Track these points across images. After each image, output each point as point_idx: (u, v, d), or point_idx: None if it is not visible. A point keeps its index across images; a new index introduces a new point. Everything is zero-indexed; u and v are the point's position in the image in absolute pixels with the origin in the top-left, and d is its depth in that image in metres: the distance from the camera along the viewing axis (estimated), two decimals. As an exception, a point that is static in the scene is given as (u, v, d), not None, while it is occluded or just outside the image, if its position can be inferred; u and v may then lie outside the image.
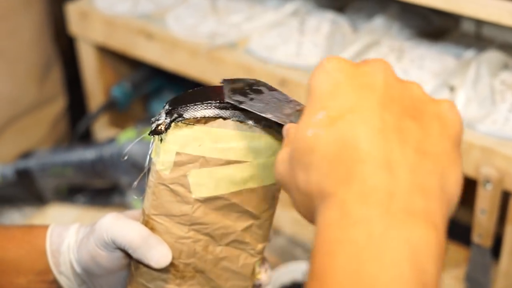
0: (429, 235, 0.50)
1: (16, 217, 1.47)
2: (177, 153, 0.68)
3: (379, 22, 1.34)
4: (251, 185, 0.69)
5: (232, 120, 0.68)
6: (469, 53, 1.25)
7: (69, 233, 0.78)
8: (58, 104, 1.69)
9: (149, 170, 0.73)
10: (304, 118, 0.55)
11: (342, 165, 0.51)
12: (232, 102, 0.67)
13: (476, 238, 1.15)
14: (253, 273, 0.74)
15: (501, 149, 1.07)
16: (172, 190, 0.69)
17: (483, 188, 1.09)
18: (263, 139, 0.68)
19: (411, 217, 0.49)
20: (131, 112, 1.68)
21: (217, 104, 0.68)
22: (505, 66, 1.21)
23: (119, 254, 0.73)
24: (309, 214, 0.56)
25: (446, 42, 1.31)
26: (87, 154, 1.43)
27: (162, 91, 1.67)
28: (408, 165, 0.51)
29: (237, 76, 0.73)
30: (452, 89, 1.19)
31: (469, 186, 1.18)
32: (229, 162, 0.68)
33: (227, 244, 0.72)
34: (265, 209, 0.72)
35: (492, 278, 1.20)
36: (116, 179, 1.42)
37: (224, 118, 0.68)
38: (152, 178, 0.71)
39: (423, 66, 1.24)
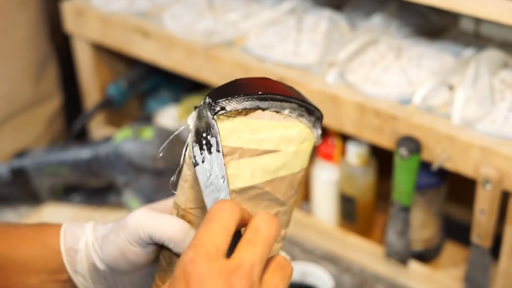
0: None
1: (11, 216, 1.46)
2: None
3: (377, 20, 1.33)
4: (283, 173, 0.72)
5: (270, 111, 0.70)
6: (468, 52, 1.24)
7: (85, 231, 0.78)
8: (54, 103, 1.67)
9: (183, 165, 0.74)
10: None
11: None
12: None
13: (475, 238, 1.14)
14: None
15: (500, 149, 1.06)
16: None
17: (482, 188, 1.08)
18: (296, 127, 0.71)
19: None
20: (127, 110, 1.67)
21: (257, 96, 0.70)
22: (505, 65, 1.20)
23: (151, 249, 0.74)
24: None
25: (445, 41, 1.30)
26: (82, 153, 1.41)
27: (158, 89, 1.66)
28: None
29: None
30: (451, 88, 1.18)
31: (469, 186, 1.18)
32: (264, 152, 0.70)
33: None
34: (291, 195, 0.74)
35: (492, 279, 1.19)
36: (112, 178, 1.41)
37: (263, 109, 0.70)
38: (189, 172, 0.73)
39: (421, 64, 1.23)
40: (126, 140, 1.37)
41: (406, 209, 1.20)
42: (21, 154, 1.48)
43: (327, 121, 1.22)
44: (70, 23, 1.54)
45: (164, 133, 1.37)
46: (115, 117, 1.66)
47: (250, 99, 0.69)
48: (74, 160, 1.42)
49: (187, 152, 0.73)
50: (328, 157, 1.33)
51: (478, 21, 1.31)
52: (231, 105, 0.69)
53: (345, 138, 1.31)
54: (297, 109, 0.71)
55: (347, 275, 1.31)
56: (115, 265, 0.76)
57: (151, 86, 1.65)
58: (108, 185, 1.44)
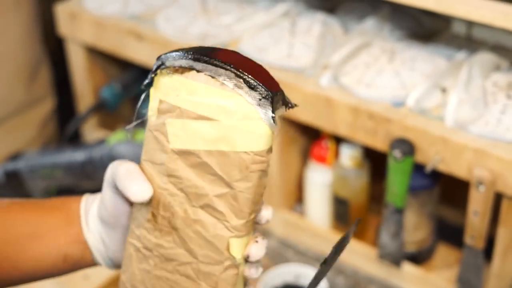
0: None
1: (5, 219, 1.46)
2: (160, 101, 0.71)
3: (370, 23, 1.34)
4: (223, 147, 0.70)
5: (205, 74, 0.69)
6: (461, 55, 1.25)
7: (98, 195, 0.82)
8: (47, 105, 1.67)
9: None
10: None
11: None
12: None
13: (468, 239, 1.15)
14: (228, 249, 0.73)
15: (493, 151, 1.07)
16: (155, 137, 0.72)
17: (475, 190, 1.08)
18: (233, 99, 0.68)
19: None
20: (120, 113, 1.68)
21: (191, 56, 0.69)
22: (497, 68, 1.21)
23: (121, 196, 0.77)
24: None
25: (437, 44, 1.31)
26: (76, 155, 1.42)
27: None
28: None
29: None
30: (444, 90, 1.18)
31: (461, 188, 1.19)
32: (200, 117, 0.70)
33: (201, 208, 0.72)
34: (237, 179, 0.70)
35: (484, 280, 1.20)
36: (106, 181, 1.41)
37: (198, 71, 0.69)
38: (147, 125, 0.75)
39: (414, 67, 1.24)
40: (120, 142, 1.38)
41: (399, 211, 1.21)
42: (15, 156, 1.48)
43: (321, 123, 1.23)
44: (64, 26, 1.54)
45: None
46: (108, 119, 1.66)
47: (184, 58, 0.69)
48: (68, 163, 1.42)
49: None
50: (322, 159, 1.34)
51: (470, 24, 1.32)
52: (169, 61, 0.70)
53: (338, 140, 1.31)
54: (233, 78, 0.68)
55: (340, 277, 1.32)
56: (101, 217, 0.79)
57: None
58: (102, 187, 1.44)
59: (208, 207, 0.72)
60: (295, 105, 0.73)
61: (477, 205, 1.10)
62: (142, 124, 1.38)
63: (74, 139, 1.62)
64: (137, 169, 0.74)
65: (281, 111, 0.71)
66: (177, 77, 0.70)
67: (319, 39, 1.32)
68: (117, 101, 1.59)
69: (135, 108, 1.73)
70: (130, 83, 1.61)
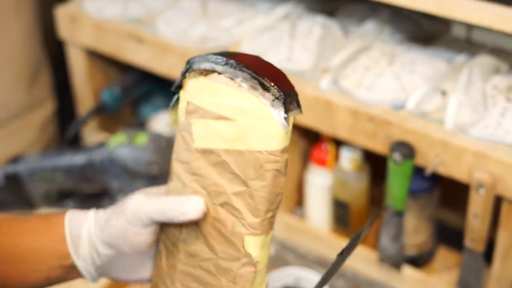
0: None
1: (5, 222, 1.46)
2: (188, 102, 0.76)
3: (370, 26, 1.34)
4: (239, 146, 0.73)
5: (225, 76, 0.72)
6: (460, 58, 1.25)
7: (88, 217, 0.82)
8: (47, 108, 1.68)
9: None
10: None
11: None
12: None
13: (468, 242, 1.15)
14: (243, 246, 0.75)
15: (493, 154, 1.07)
16: (183, 137, 0.77)
17: (476, 193, 1.09)
18: (249, 100, 0.72)
19: None
20: (120, 116, 1.68)
21: (214, 59, 0.73)
22: (497, 71, 1.21)
23: (150, 229, 0.79)
24: None
25: (437, 47, 1.31)
26: (76, 159, 1.42)
27: (152, 95, 1.66)
28: None
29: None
30: (444, 93, 1.19)
31: (461, 190, 1.19)
32: (220, 117, 0.73)
33: (221, 205, 0.75)
34: (252, 178, 0.73)
35: (485, 283, 1.20)
36: (106, 184, 1.41)
37: (219, 73, 0.73)
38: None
39: (414, 70, 1.24)
40: (120, 145, 1.38)
41: (399, 214, 1.21)
42: (15, 159, 1.48)
43: (321, 126, 1.23)
44: (64, 29, 1.54)
45: (158, 139, 1.38)
46: (108, 122, 1.67)
47: (208, 61, 0.73)
48: (68, 166, 1.42)
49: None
50: (321, 162, 1.34)
51: (469, 27, 1.32)
52: (195, 64, 0.74)
53: (338, 143, 1.31)
54: (249, 80, 0.71)
55: (340, 280, 1.32)
56: (117, 246, 0.80)
57: (145, 92, 1.65)
58: (102, 190, 1.45)
59: (227, 205, 0.75)
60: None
61: (477, 208, 1.10)
62: (142, 126, 1.40)
63: (74, 142, 1.62)
64: (179, 196, 0.77)
65: (296, 112, 0.74)
66: (201, 79, 0.74)
67: (319, 42, 1.32)
68: (117, 104, 1.59)
69: (135, 111, 1.74)
70: (130, 86, 1.61)
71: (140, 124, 1.64)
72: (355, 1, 1.42)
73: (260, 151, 0.72)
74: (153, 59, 1.42)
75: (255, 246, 0.75)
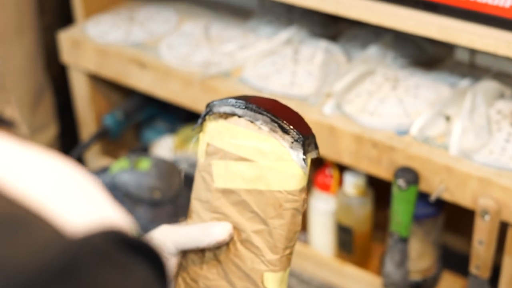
0: None
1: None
2: (207, 144, 0.78)
3: (373, 50, 1.34)
4: (260, 186, 0.75)
5: (245, 119, 0.75)
6: (464, 82, 1.25)
7: None
8: (50, 132, 1.67)
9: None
10: None
11: None
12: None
13: (473, 269, 1.14)
14: (262, 282, 0.77)
15: (498, 180, 1.06)
16: (203, 177, 0.79)
17: (480, 219, 1.08)
18: (269, 142, 0.74)
19: None
20: (123, 141, 1.67)
21: (234, 102, 0.76)
22: (501, 96, 1.21)
23: (173, 261, 0.80)
24: None
25: (441, 71, 1.31)
26: (79, 184, 1.41)
27: (155, 119, 1.66)
28: None
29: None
30: (448, 118, 1.18)
31: (466, 215, 1.18)
32: (241, 159, 0.76)
33: (241, 242, 0.77)
34: (272, 216, 0.75)
35: (490, 309, 1.19)
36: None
37: (239, 116, 0.75)
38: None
39: (418, 95, 1.24)
40: (123, 171, 1.37)
41: (404, 240, 1.20)
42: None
43: (324, 151, 1.23)
44: (67, 54, 1.54)
45: (161, 164, 1.37)
46: (111, 147, 1.66)
47: (228, 104, 0.76)
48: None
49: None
50: (325, 187, 1.33)
51: (473, 51, 1.31)
52: (215, 107, 0.77)
53: (342, 168, 1.31)
54: (269, 123, 0.74)
55: (345, 306, 1.31)
56: None
57: (148, 116, 1.65)
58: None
59: (247, 242, 0.77)
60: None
61: (482, 235, 1.09)
62: (145, 151, 1.40)
63: (77, 167, 1.61)
64: (185, 223, 0.80)
65: (313, 153, 0.76)
66: (221, 122, 0.77)
67: (322, 67, 1.31)
68: (119, 129, 1.58)
69: (138, 135, 1.73)
70: (132, 111, 1.61)
71: (143, 149, 1.63)
72: (358, 25, 1.42)
73: (279, 191, 0.74)
74: (156, 84, 1.42)
75: (274, 282, 0.77)
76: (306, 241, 1.42)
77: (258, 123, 0.74)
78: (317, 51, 1.35)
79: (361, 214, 1.32)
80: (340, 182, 1.32)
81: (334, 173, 1.32)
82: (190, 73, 1.36)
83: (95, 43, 1.50)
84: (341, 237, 1.35)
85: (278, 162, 0.74)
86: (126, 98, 1.64)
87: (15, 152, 0.39)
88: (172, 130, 1.63)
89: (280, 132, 0.74)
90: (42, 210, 0.35)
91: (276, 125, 0.74)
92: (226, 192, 0.77)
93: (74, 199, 0.37)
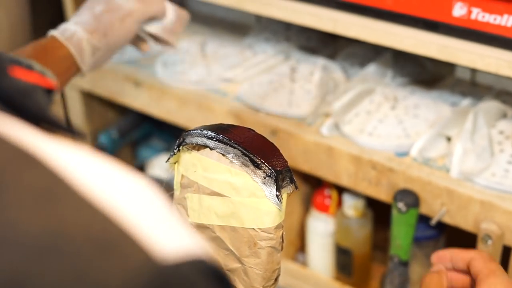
0: None
1: None
2: (182, 175, 0.75)
3: (372, 69, 1.31)
4: (233, 223, 0.72)
5: (216, 152, 0.72)
6: (466, 101, 1.22)
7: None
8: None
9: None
10: None
11: None
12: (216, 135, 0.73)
13: (476, 294, 1.11)
14: None
15: (501, 203, 1.03)
16: (178, 211, 0.76)
17: (483, 244, 1.05)
18: (241, 177, 0.71)
19: None
20: (119, 159, 1.64)
21: (206, 134, 0.72)
22: (503, 115, 1.18)
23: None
24: None
25: (441, 90, 1.28)
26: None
27: (150, 138, 1.63)
28: None
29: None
30: (449, 139, 1.15)
31: (469, 237, 1.15)
32: (214, 193, 0.72)
33: None
34: (247, 255, 0.72)
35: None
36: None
37: (211, 149, 0.72)
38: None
39: (418, 115, 1.21)
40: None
41: (404, 263, 1.17)
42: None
43: (323, 172, 1.20)
44: (61, 72, 1.52)
45: (157, 183, 1.35)
46: (106, 166, 1.63)
47: (200, 135, 0.73)
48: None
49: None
50: (324, 208, 1.30)
51: (474, 69, 1.29)
52: (188, 138, 0.73)
53: (341, 188, 1.28)
54: (241, 156, 0.71)
55: (344, 330, 1.28)
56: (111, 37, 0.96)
57: (143, 135, 1.62)
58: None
59: None
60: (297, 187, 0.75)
61: (485, 260, 1.06)
62: (141, 170, 1.39)
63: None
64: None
65: (289, 188, 0.72)
66: (194, 154, 0.74)
67: (320, 85, 1.29)
68: (115, 147, 1.56)
69: (134, 154, 1.71)
70: (128, 129, 1.58)
71: (139, 167, 1.61)
72: (356, 43, 1.39)
73: (253, 229, 0.71)
74: (151, 102, 1.39)
75: None
76: (304, 262, 1.39)
77: (230, 156, 0.71)
78: (315, 69, 1.33)
79: (360, 235, 1.29)
80: (339, 203, 1.30)
81: (333, 194, 1.29)
82: (186, 91, 1.34)
83: (90, 61, 1.47)
84: (340, 259, 1.33)
85: (251, 198, 0.71)
86: (121, 116, 1.61)
87: (104, 169, 0.39)
88: (169, 148, 1.61)
89: (251, 167, 0.71)
90: (135, 232, 0.35)
91: (247, 159, 0.71)
92: (201, 227, 0.74)
93: (163, 223, 0.37)
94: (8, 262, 0.32)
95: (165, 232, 0.37)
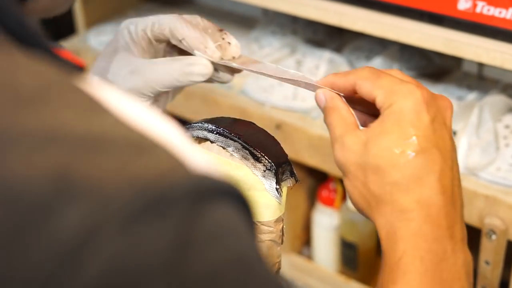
0: (470, 259, 0.66)
1: None
2: None
3: (378, 62, 1.30)
4: None
5: (217, 145, 0.71)
6: (472, 96, 1.21)
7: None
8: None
9: None
10: (393, 135, 0.63)
11: (422, 188, 0.63)
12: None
13: (480, 289, 1.11)
14: None
15: (506, 198, 1.02)
16: None
17: (487, 239, 1.04)
18: (241, 170, 0.70)
19: (463, 244, 0.65)
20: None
21: (206, 127, 0.72)
22: (509, 110, 1.17)
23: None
24: (362, 202, 0.66)
25: (448, 83, 1.28)
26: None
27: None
28: (459, 199, 0.67)
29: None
30: (454, 133, 1.15)
31: (474, 230, 1.14)
32: None
33: None
34: None
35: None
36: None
37: (212, 142, 0.72)
38: None
39: (424, 109, 1.20)
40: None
41: (408, 258, 1.16)
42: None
43: (328, 166, 1.20)
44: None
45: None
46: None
47: (201, 128, 0.72)
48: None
49: None
50: (329, 202, 1.30)
51: (481, 63, 1.28)
52: (189, 131, 0.73)
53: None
54: (241, 149, 0.70)
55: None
56: None
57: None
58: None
59: None
60: (298, 180, 0.74)
61: (489, 255, 1.06)
62: None
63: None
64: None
65: (289, 182, 0.72)
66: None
67: (326, 79, 1.28)
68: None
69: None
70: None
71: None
72: (363, 36, 1.38)
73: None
74: (157, 95, 1.39)
75: None
76: (309, 256, 1.39)
77: (230, 149, 0.71)
78: (321, 62, 1.32)
79: (365, 230, 1.29)
80: (344, 197, 1.29)
81: (338, 187, 1.29)
82: (191, 86, 1.33)
83: (96, 53, 1.47)
84: (345, 253, 1.32)
85: (251, 192, 0.70)
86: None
87: (134, 101, 0.42)
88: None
89: (251, 160, 0.70)
90: (169, 144, 0.38)
91: (247, 152, 0.70)
92: None
93: (190, 148, 0.40)
94: (55, 156, 0.35)
95: (193, 153, 0.39)
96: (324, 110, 0.70)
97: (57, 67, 0.41)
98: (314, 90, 0.71)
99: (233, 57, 0.78)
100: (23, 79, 0.39)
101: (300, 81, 0.73)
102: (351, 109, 0.69)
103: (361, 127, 0.68)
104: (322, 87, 0.70)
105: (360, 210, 0.67)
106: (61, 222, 0.34)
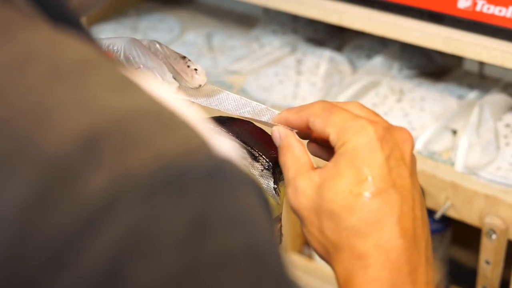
0: None
1: None
2: None
3: (378, 61, 1.30)
4: None
5: None
6: (472, 94, 1.21)
7: None
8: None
9: None
10: (347, 177, 0.60)
11: (380, 232, 0.59)
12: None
13: (481, 289, 1.10)
14: None
15: (506, 198, 1.02)
16: None
17: (487, 239, 1.04)
18: None
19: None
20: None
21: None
22: (510, 108, 1.17)
23: None
24: (320, 249, 0.62)
25: (449, 82, 1.27)
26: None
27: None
28: (424, 240, 0.62)
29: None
30: (454, 132, 1.14)
31: (475, 229, 1.14)
32: None
33: None
34: None
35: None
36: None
37: None
38: None
39: (424, 107, 1.20)
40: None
41: (409, 257, 1.16)
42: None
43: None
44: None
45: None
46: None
47: None
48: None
49: None
50: (330, 201, 1.30)
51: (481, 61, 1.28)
52: None
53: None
54: (238, 149, 0.70)
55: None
56: None
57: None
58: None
59: None
60: None
61: (489, 254, 1.06)
62: None
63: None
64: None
65: None
66: None
67: (326, 77, 1.28)
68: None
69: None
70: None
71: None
72: (363, 35, 1.38)
73: None
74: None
75: None
76: (310, 255, 1.39)
77: None
78: (321, 61, 1.32)
79: (366, 229, 1.28)
80: (345, 196, 1.29)
81: (338, 187, 1.29)
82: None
83: (96, 53, 1.47)
84: (346, 252, 1.32)
85: None
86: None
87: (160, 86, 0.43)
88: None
89: (249, 159, 0.70)
90: (195, 125, 0.39)
91: (245, 151, 0.70)
92: None
93: (211, 132, 0.41)
94: (85, 124, 0.36)
95: (219, 138, 0.40)
96: (278, 148, 0.67)
97: (94, 47, 0.42)
98: (271, 127, 0.69)
99: (200, 85, 0.77)
100: (62, 53, 0.40)
101: (255, 119, 0.71)
102: (305, 148, 0.67)
103: (315, 167, 0.64)
104: (276, 125, 0.68)
105: (320, 257, 0.64)
106: (86, 186, 0.35)
